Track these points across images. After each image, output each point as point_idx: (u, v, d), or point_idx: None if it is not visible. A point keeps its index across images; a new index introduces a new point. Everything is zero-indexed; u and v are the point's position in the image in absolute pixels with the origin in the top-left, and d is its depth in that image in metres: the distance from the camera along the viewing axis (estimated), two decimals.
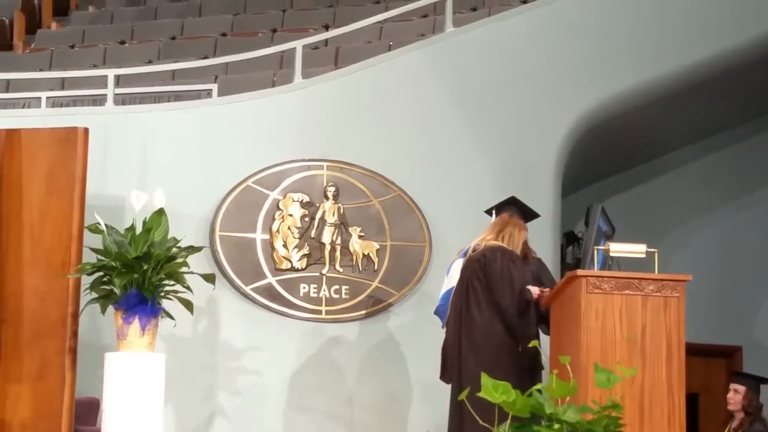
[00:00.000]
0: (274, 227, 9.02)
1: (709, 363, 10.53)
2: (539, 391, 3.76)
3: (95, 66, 11.15)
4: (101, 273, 7.51)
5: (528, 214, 7.94)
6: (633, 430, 6.40)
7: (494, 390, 3.69)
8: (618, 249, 7.26)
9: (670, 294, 6.75)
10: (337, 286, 8.91)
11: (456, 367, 7.47)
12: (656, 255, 6.95)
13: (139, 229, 7.54)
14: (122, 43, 11.99)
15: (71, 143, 7.87)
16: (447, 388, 8.73)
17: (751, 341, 11.45)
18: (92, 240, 7.67)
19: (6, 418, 7.68)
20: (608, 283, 6.74)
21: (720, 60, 10.07)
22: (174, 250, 7.58)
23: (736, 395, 8.60)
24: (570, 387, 3.75)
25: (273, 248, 8.98)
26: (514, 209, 7.84)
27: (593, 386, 4.23)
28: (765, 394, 8.84)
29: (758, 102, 11.42)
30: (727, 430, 8.69)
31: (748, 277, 11.56)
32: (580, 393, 4.51)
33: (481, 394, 3.79)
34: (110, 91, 9.19)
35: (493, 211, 7.95)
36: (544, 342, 7.41)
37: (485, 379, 3.66)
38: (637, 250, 7.15)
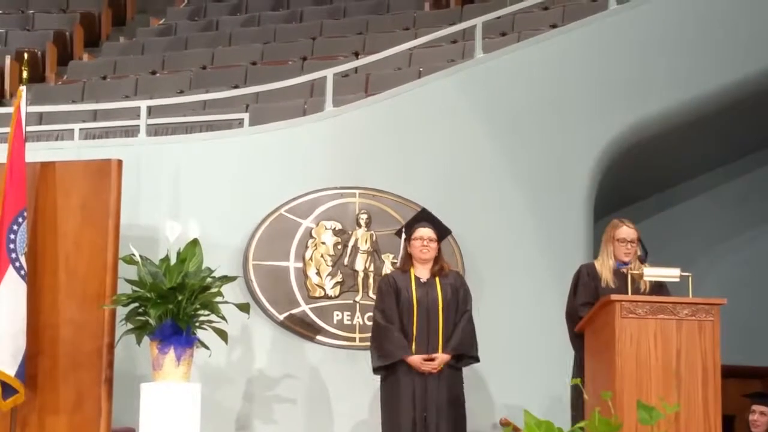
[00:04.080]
0: (307, 255, 9.04)
1: (745, 384, 10.45)
2: (581, 428, 3.75)
3: (127, 97, 11.22)
4: (136, 304, 7.55)
5: (442, 230, 8.08)
6: None
7: (537, 428, 3.67)
8: (652, 273, 7.25)
9: (705, 318, 6.73)
10: (370, 313, 8.89)
11: None
12: (690, 279, 6.93)
13: (173, 260, 7.58)
14: (153, 73, 12.06)
15: (105, 175, 7.92)
16: (483, 412, 8.75)
17: None
18: (127, 271, 7.71)
19: None
20: (642, 308, 6.74)
21: (752, 81, 10.05)
22: (208, 280, 7.61)
23: (762, 417, 8.55)
24: (612, 425, 3.73)
25: (306, 276, 9.00)
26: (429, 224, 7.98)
27: (628, 415, 4.21)
28: None
29: None
30: None
31: None
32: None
33: None
34: (143, 121, 9.25)
35: (403, 231, 8.06)
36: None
37: (528, 417, 3.65)
38: (671, 274, 7.14)
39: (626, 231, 7.62)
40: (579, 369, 7.54)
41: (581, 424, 3.84)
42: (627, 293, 7.05)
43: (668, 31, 9.94)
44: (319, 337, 8.95)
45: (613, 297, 6.83)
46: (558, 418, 7.91)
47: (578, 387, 7.23)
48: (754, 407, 8.61)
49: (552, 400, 8.40)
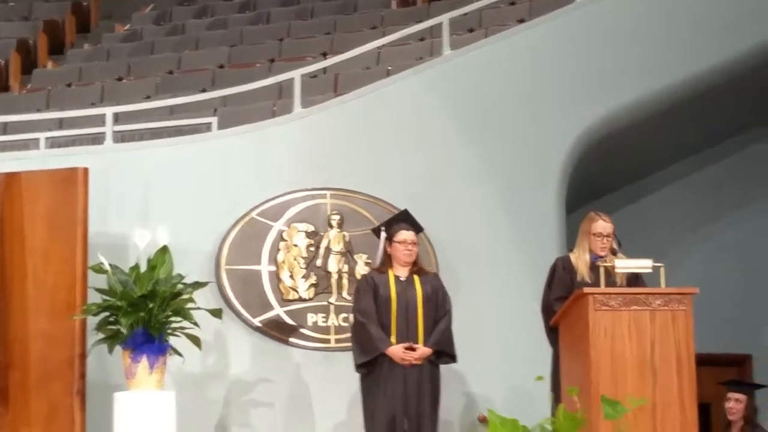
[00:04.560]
0: (280, 258, 8.99)
1: (720, 372, 10.47)
2: (546, 425, 3.72)
3: (93, 104, 11.14)
4: (107, 313, 7.52)
5: (417, 229, 8.10)
6: None
7: (502, 426, 3.64)
8: (624, 265, 7.25)
9: (678, 307, 6.74)
10: (345, 314, 8.87)
11: None
12: (662, 269, 6.93)
13: (143, 268, 7.54)
14: (119, 79, 11.98)
15: (71, 184, 7.88)
16: (461, 409, 8.74)
17: (761, 349, 11.40)
18: (97, 280, 7.66)
19: None
20: (615, 300, 6.73)
21: (721, 69, 10.04)
22: (179, 286, 7.58)
23: (737, 404, 8.58)
24: (577, 420, 3.70)
25: (279, 279, 8.95)
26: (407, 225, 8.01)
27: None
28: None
29: (759, 110, 11.38)
30: None
31: (756, 286, 11.50)
32: (591, 418, 4.46)
33: (489, 431, 3.75)
34: (109, 129, 9.18)
35: (382, 229, 8.06)
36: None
37: (492, 416, 3.62)
38: (643, 265, 7.14)
39: (602, 225, 7.62)
40: (556, 364, 7.53)
41: (544, 420, 3.80)
42: (601, 287, 7.03)
43: (636, 22, 9.93)
44: (294, 340, 8.90)
45: (586, 290, 6.83)
46: (535, 414, 7.93)
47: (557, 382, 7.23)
48: (729, 395, 8.63)
49: (530, 396, 8.36)
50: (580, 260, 7.60)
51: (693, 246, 11.51)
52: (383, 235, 8.05)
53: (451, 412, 8.75)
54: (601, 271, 7.19)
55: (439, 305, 7.94)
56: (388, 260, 8.02)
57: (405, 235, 7.97)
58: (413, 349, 7.77)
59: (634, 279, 7.45)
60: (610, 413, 3.82)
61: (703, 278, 10.10)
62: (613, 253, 7.57)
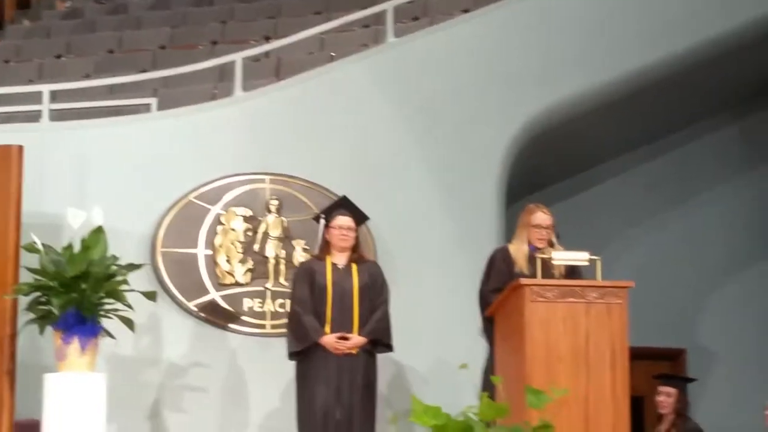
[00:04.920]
0: (217, 242, 8.92)
1: (654, 366, 10.56)
2: (472, 413, 3.71)
3: (30, 81, 10.98)
4: (39, 293, 7.41)
5: (360, 217, 8.12)
6: None
7: (424, 414, 3.63)
8: (561, 257, 7.27)
9: (613, 301, 6.76)
10: (281, 300, 8.83)
11: None
12: (599, 262, 6.95)
13: (77, 248, 7.44)
14: (58, 57, 11.84)
15: (5, 161, 7.76)
16: (397, 399, 8.74)
17: (695, 343, 11.51)
18: (29, 260, 7.55)
19: None
20: (551, 292, 6.75)
21: (662, 65, 10.10)
22: (113, 268, 7.49)
23: (668, 398, 8.64)
24: (501, 408, 3.70)
25: (216, 263, 8.89)
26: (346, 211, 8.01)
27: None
28: None
29: (701, 106, 11.47)
30: None
31: (692, 281, 11.61)
32: (523, 409, 4.45)
33: (411, 419, 3.74)
34: (45, 106, 9.06)
35: (322, 216, 8.07)
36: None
37: (415, 403, 3.61)
38: (580, 257, 7.17)
39: (542, 217, 7.63)
40: (491, 361, 7.54)
41: (467, 408, 3.79)
42: (538, 278, 7.04)
43: (578, 16, 9.95)
44: (229, 325, 8.84)
45: (523, 281, 6.84)
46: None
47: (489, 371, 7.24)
48: (660, 388, 8.69)
49: (466, 387, 8.37)
50: (519, 251, 7.61)
51: (631, 240, 11.58)
52: (322, 221, 8.03)
53: (387, 401, 8.74)
54: (538, 262, 7.20)
55: (376, 294, 7.92)
56: (326, 247, 8.00)
57: (341, 220, 7.95)
58: (347, 338, 7.75)
59: (572, 272, 7.47)
60: (533, 402, 3.83)
61: (640, 272, 10.19)
62: (551, 245, 7.59)
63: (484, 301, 7.61)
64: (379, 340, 7.88)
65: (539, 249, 7.53)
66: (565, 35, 9.88)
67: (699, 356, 11.40)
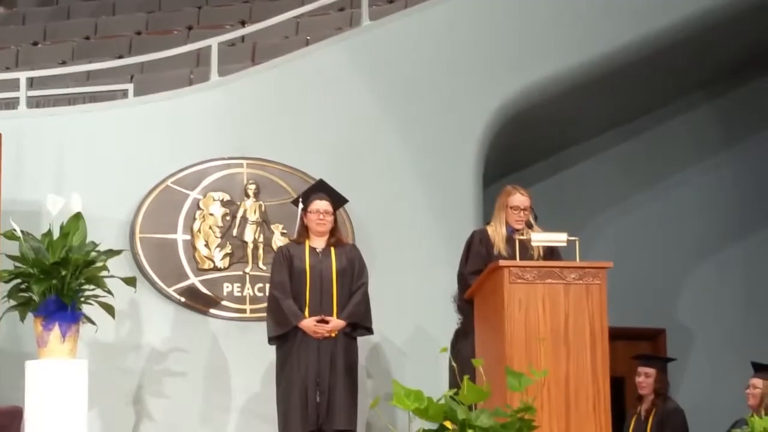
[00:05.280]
0: (195, 227, 8.93)
1: (634, 346, 10.62)
2: (452, 396, 3.74)
3: (7, 68, 10.94)
4: (19, 280, 7.40)
5: (338, 200, 8.15)
6: (559, 420, 6.44)
7: (406, 398, 3.66)
8: (539, 238, 7.30)
9: (592, 281, 6.79)
10: (261, 284, 8.84)
11: None
12: (577, 243, 6.99)
13: (56, 235, 7.43)
14: (35, 44, 11.81)
15: None
16: (378, 381, 8.77)
17: (674, 323, 11.57)
18: (8, 247, 7.54)
19: None
20: (530, 273, 6.77)
21: (636, 46, 10.14)
22: (93, 254, 7.48)
23: (647, 379, 8.70)
24: (483, 392, 3.73)
25: (195, 248, 8.89)
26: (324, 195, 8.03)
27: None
28: None
29: (675, 85, 11.53)
30: (637, 412, 8.78)
31: (670, 261, 11.67)
32: (503, 391, 4.50)
33: (393, 403, 3.77)
34: (23, 93, 9.05)
35: (300, 200, 8.10)
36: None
37: (396, 387, 3.63)
38: (558, 238, 7.19)
39: (519, 199, 7.64)
40: (464, 335, 7.59)
41: (449, 392, 3.82)
42: (517, 260, 7.07)
43: None
44: (209, 310, 8.86)
45: (502, 263, 6.86)
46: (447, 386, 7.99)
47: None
48: (639, 369, 8.76)
49: (443, 366, 8.41)
50: (497, 233, 7.63)
51: (609, 220, 11.64)
52: (300, 205, 8.05)
53: (369, 383, 8.78)
54: (517, 244, 7.23)
55: (355, 277, 7.94)
56: (304, 231, 8.02)
57: (318, 204, 7.97)
58: (326, 322, 7.78)
59: (550, 253, 7.49)
60: (514, 385, 3.86)
61: (619, 253, 10.26)
62: (530, 226, 7.61)
63: (464, 284, 7.63)
64: (358, 323, 7.91)
65: (517, 230, 7.55)
66: (539, 17, 9.90)
67: (678, 336, 11.47)
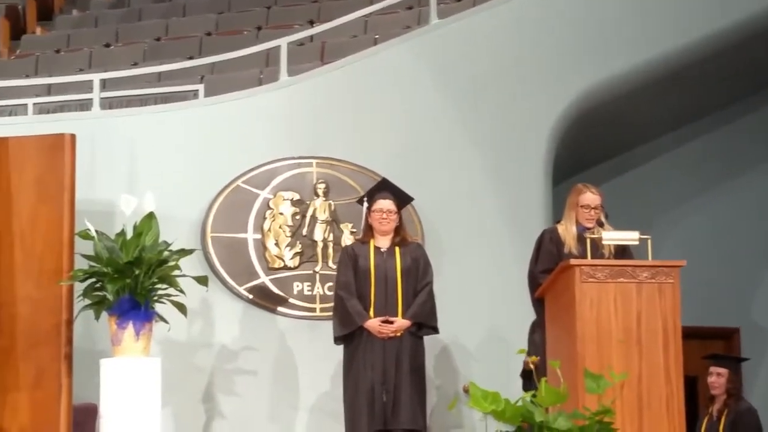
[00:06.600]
0: (266, 226, 8.98)
1: (708, 345, 10.51)
2: (530, 399, 3.73)
3: (81, 70, 11.09)
4: (93, 279, 7.48)
5: (403, 198, 8.12)
6: (632, 419, 6.40)
7: (483, 399, 3.65)
8: (611, 237, 7.25)
9: (665, 280, 6.74)
10: (330, 283, 8.86)
11: None
12: (649, 242, 6.94)
13: (129, 234, 7.50)
14: (107, 46, 11.94)
15: (59, 150, 7.82)
16: (446, 380, 8.78)
17: (748, 322, 11.44)
18: (83, 246, 7.63)
19: (5, 427, 7.65)
20: (602, 272, 6.74)
21: (707, 42, 10.06)
22: (165, 253, 7.54)
23: (719, 378, 8.61)
24: (561, 394, 3.71)
25: (265, 247, 8.95)
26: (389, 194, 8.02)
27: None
28: None
29: (746, 83, 11.40)
30: (709, 413, 8.70)
31: (744, 259, 11.54)
32: (577, 390, 4.48)
33: (470, 404, 3.76)
34: (96, 95, 9.16)
35: (364, 199, 8.11)
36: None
37: (474, 389, 3.63)
38: (630, 237, 7.14)
39: (590, 197, 7.59)
40: (538, 335, 7.56)
41: (528, 394, 3.81)
42: (588, 258, 7.04)
43: None
44: (279, 309, 8.91)
45: (573, 261, 6.83)
46: (518, 385, 7.98)
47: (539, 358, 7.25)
48: (711, 369, 8.67)
49: (513, 368, 8.40)
50: (567, 232, 7.59)
51: (680, 218, 11.53)
52: (365, 205, 8.07)
53: (437, 382, 8.79)
54: (588, 242, 7.20)
55: (419, 276, 7.95)
56: (369, 231, 8.04)
57: (381, 203, 7.99)
58: (391, 322, 7.79)
59: (622, 251, 7.44)
60: (592, 387, 3.82)
61: (689, 251, 10.14)
62: (600, 224, 7.57)
63: (534, 283, 7.61)
64: (424, 323, 7.92)
65: (588, 229, 7.51)
66: (606, 14, 9.85)
67: (753, 335, 11.33)
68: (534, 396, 3.82)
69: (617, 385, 4.51)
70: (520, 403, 3.73)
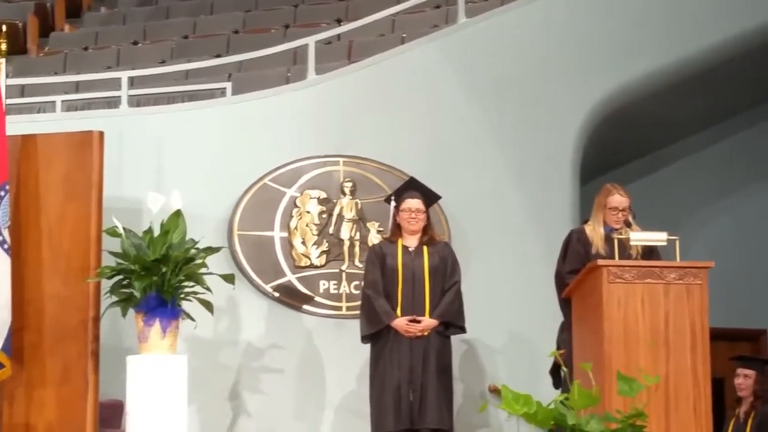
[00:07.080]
0: (292, 224, 8.99)
1: (735, 347, 10.47)
2: (562, 401, 3.71)
3: (109, 68, 11.13)
4: (121, 276, 7.50)
5: (431, 197, 8.11)
6: (659, 421, 6.38)
7: (515, 401, 3.63)
8: (639, 237, 7.23)
9: (693, 281, 6.71)
10: (357, 282, 8.87)
11: None
12: (677, 242, 6.91)
13: (156, 232, 7.53)
14: (135, 43, 11.97)
15: (87, 147, 7.85)
16: (472, 379, 8.76)
17: None
18: (111, 243, 7.66)
19: (31, 423, 7.69)
20: (629, 273, 6.72)
21: (734, 43, 10.02)
22: (192, 251, 7.56)
23: (746, 380, 8.55)
24: (593, 397, 3.68)
25: (292, 246, 8.96)
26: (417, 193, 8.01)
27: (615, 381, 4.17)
28: None
29: None
30: (736, 414, 8.66)
31: None
32: (604, 391, 4.46)
33: (501, 407, 3.75)
34: (124, 93, 9.20)
35: (392, 198, 8.12)
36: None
37: (506, 391, 3.61)
38: (657, 238, 7.12)
39: (618, 200, 7.56)
40: (567, 334, 7.53)
41: (560, 397, 3.79)
42: (616, 259, 7.01)
43: None
44: (306, 307, 8.92)
45: (600, 262, 6.81)
46: (546, 385, 7.96)
47: (567, 354, 7.23)
48: (739, 370, 8.62)
49: (540, 368, 8.37)
50: (595, 232, 7.56)
51: (707, 219, 11.49)
52: (393, 204, 8.07)
53: (462, 382, 8.78)
54: (616, 243, 7.18)
55: (447, 276, 7.94)
56: (397, 230, 8.05)
57: (409, 203, 7.99)
58: (418, 321, 7.79)
59: (649, 252, 7.41)
60: (625, 390, 3.80)
61: (716, 252, 10.09)
62: (628, 225, 7.54)
63: (561, 283, 7.59)
64: (451, 322, 7.91)
65: (616, 229, 7.49)
66: (634, 14, 9.82)
67: None
68: (566, 398, 3.80)
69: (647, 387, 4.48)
70: (551, 406, 3.71)
